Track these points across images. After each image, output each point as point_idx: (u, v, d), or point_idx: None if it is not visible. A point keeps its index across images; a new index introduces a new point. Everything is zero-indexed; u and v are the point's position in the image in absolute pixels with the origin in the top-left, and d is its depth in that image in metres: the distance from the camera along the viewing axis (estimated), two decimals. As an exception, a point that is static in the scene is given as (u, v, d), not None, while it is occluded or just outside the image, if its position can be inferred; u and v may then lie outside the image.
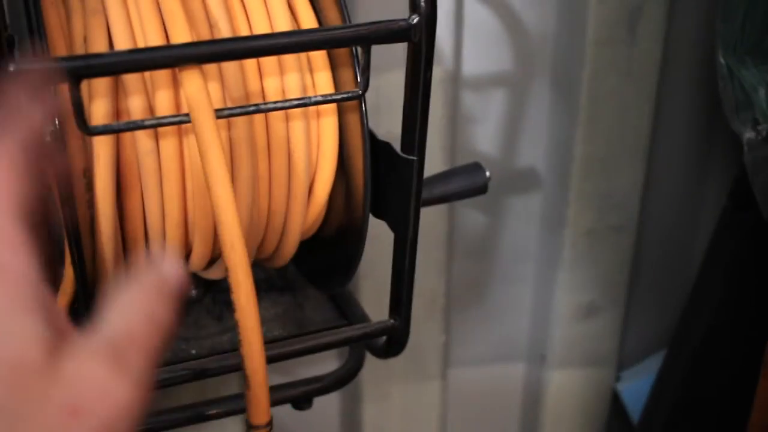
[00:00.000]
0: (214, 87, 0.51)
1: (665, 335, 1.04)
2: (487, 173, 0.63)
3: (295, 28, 0.54)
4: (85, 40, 0.52)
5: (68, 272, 0.54)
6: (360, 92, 0.51)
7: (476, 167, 0.63)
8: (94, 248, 0.53)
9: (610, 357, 1.03)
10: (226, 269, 0.46)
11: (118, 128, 0.48)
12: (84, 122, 0.46)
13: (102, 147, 0.50)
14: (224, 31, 0.51)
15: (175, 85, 0.50)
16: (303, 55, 0.54)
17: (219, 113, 0.48)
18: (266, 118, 0.54)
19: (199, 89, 0.46)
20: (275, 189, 0.56)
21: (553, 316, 0.99)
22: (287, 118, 0.54)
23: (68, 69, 0.44)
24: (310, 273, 0.67)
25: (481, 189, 0.62)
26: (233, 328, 0.52)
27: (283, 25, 0.53)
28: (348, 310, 0.68)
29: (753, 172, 0.78)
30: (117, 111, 0.51)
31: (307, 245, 0.64)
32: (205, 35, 0.50)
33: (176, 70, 0.47)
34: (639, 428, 1.00)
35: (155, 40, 0.49)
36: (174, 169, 0.52)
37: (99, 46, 0.50)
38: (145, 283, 0.31)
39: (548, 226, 0.94)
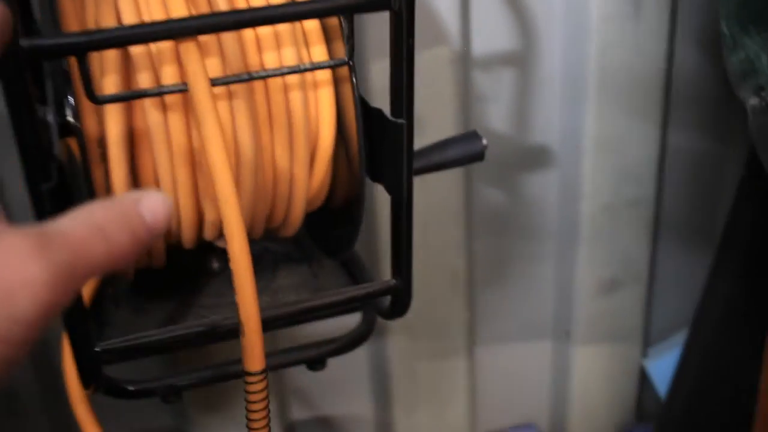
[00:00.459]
0: (214, 61, 0.56)
1: (692, 310, 1.05)
2: (484, 141, 0.65)
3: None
4: (96, 24, 0.56)
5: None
6: (346, 59, 0.55)
7: (473, 135, 0.65)
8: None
9: (636, 333, 1.05)
10: (221, 222, 0.50)
11: (122, 97, 0.52)
12: (92, 92, 0.50)
13: (113, 117, 0.54)
14: (222, 8, 0.55)
15: (180, 60, 0.55)
16: (299, 30, 0.58)
17: (214, 81, 0.52)
18: (266, 90, 0.58)
19: (195, 59, 0.50)
20: (278, 157, 0.60)
21: (576, 292, 1.00)
22: (286, 90, 0.58)
23: (74, 43, 0.48)
24: (323, 242, 0.71)
25: (478, 156, 0.65)
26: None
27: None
28: (362, 278, 0.71)
29: (758, 139, 0.79)
30: (128, 86, 0.55)
31: (319, 216, 0.67)
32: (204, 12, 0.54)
33: (176, 45, 0.51)
34: (665, 403, 1.00)
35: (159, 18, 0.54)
36: (182, 139, 0.56)
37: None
38: (115, 205, 0.33)
39: (565, 202, 0.96)
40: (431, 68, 0.85)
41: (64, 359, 0.63)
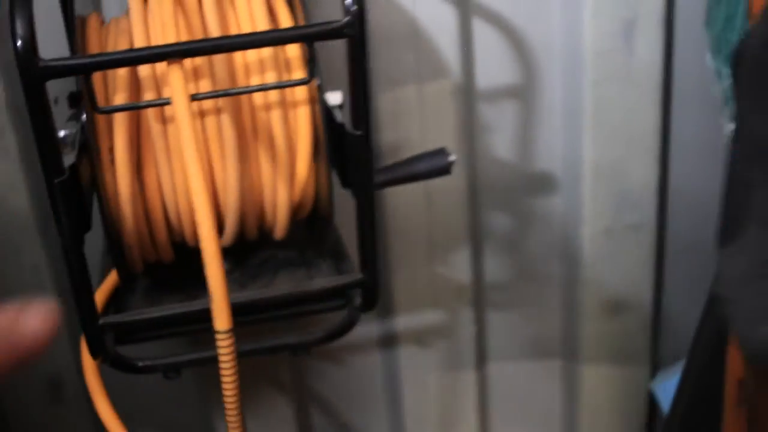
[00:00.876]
0: (205, 83, 0.66)
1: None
2: (451, 157, 0.73)
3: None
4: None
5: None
6: (307, 80, 0.64)
7: (440, 152, 0.74)
8: (118, 208, 0.68)
9: (643, 355, 1.09)
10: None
11: (119, 108, 0.63)
12: (94, 104, 0.61)
13: (119, 126, 0.65)
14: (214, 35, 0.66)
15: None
16: (281, 56, 0.68)
17: (196, 96, 0.62)
18: (251, 109, 0.68)
19: (177, 78, 0.61)
20: (262, 166, 0.69)
21: (581, 313, 1.06)
22: (268, 108, 0.68)
23: (82, 64, 0.60)
24: (319, 248, 0.80)
25: (444, 170, 0.73)
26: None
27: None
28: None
29: (731, 162, 0.84)
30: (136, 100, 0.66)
31: (315, 226, 0.77)
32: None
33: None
34: (664, 424, 1.04)
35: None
36: (177, 147, 0.67)
37: (120, 53, 0.66)
38: None
39: (568, 226, 1.02)
40: (435, 99, 0.93)
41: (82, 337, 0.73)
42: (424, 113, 0.94)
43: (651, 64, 0.93)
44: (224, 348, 0.61)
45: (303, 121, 0.69)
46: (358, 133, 0.65)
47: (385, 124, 0.93)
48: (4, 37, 0.81)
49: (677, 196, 1.03)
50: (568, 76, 0.95)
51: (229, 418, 0.64)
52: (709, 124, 0.92)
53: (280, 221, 0.73)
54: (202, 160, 0.65)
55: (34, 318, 0.33)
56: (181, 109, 0.60)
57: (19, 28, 0.57)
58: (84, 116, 0.67)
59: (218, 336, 0.61)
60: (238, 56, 0.67)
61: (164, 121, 0.66)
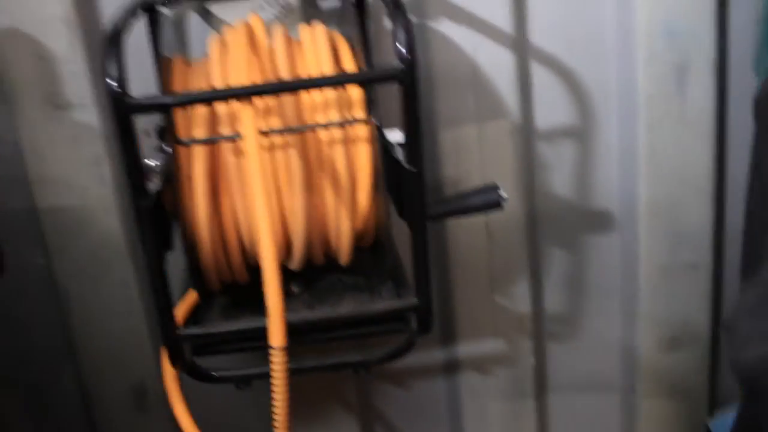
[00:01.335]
0: (275, 120, 0.74)
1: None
2: (502, 193, 0.79)
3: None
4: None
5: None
6: (366, 119, 0.71)
7: (492, 187, 0.79)
8: (196, 231, 0.75)
9: (701, 392, 1.10)
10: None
11: (196, 141, 0.71)
12: (175, 137, 0.70)
13: (198, 157, 0.73)
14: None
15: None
16: (344, 96, 0.75)
17: (264, 132, 0.70)
18: (316, 144, 0.75)
19: (248, 115, 0.68)
20: (327, 197, 0.76)
21: (638, 348, 1.08)
22: (332, 144, 0.75)
23: (164, 102, 0.68)
24: (381, 275, 0.86)
25: (495, 204, 0.78)
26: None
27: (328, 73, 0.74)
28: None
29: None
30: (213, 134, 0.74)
31: (378, 254, 0.83)
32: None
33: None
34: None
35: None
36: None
37: (201, 93, 0.74)
38: None
39: (625, 263, 1.06)
40: (494, 138, 0.99)
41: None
42: (483, 151, 0.99)
43: (703, 107, 0.97)
44: (277, 364, 0.67)
45: (363, 156, 0.76)
46: (412, 169, 0.71)
47: (446, 160, 0.99)
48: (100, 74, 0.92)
49: (735, 235, 1.05)
50: (623, 117, 1.00)
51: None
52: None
53: (343, 248, 0.80)
54: (272, 191, 0.73)
55: None
56: (250, 143, 0.68)
57: (111, 69, 0.66)
58: (168, 148, 0.75)
59: (272, 352, 0.67)
60: (305, 96, 0.75)
61: (238, 153, 0.74)
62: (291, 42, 0.79)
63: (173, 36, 0.91)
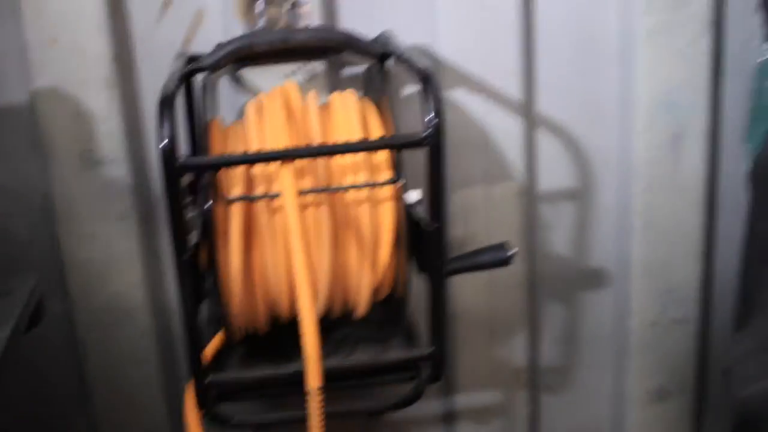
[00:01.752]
0: (307, 180, 0.79)
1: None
2: (511, 250, 0.84)
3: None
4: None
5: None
6: (394, 180, 0.77)
7: (501, 246, 0.85)
8: (228, 284, 0.80)
9: (688, 442, 1.16)
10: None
11: (241, 198, 0.76)
12: (220, 195, 0.75)
13: (235, 214, 0.78)
14: (318, 143, 0.79)
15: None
16: (371, 159, 0.81)
17: (301, 192, 0.75)
18: (344, 203, 0.80)
19: (288, 176, 0.74)
20: (351, 253, 0.81)
21: (628, 399, 1.14)
22: (358, 203, 0.80)
23: (212, 163, 0.73)
24: (393, 326, 0.91)
25: (504, 262, 0.84)
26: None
27: (357, 137, 0.80)
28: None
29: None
30: (249, 194, 0.79)
31: (390, 306, 0.88)
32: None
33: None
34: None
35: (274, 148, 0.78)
36: (281, 234, 0.79)
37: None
38: None
39: (618, 317, 1.12)
40: (501, 199, 1.05)
41: (186, 392, 0.84)
42: (490, 211, 1.05)
43: (696, 173, 1.04)
44: (315, 405, 0.72)
45: (387, 215, 0.81)
46: (434, 227, 0.77)
47: (455, 219, 1.04)
48: (138, 131, 0.97)
49: (722, 293, 1.12)
50: (621, 181, 1.06)
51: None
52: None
53: (362, 302, 0.85)
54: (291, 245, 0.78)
55: None
56: (290, 202, 0.73)
57: (165, 131, 0.71)
58: (205, 204, 0.80)
59: (310, 393, 0.72)
60: (336, 158, 0.80)
61: (271, 212, 0.79)
62: (322, 107, 0.84)
63: (204, 98, 0.96)
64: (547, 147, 1.05)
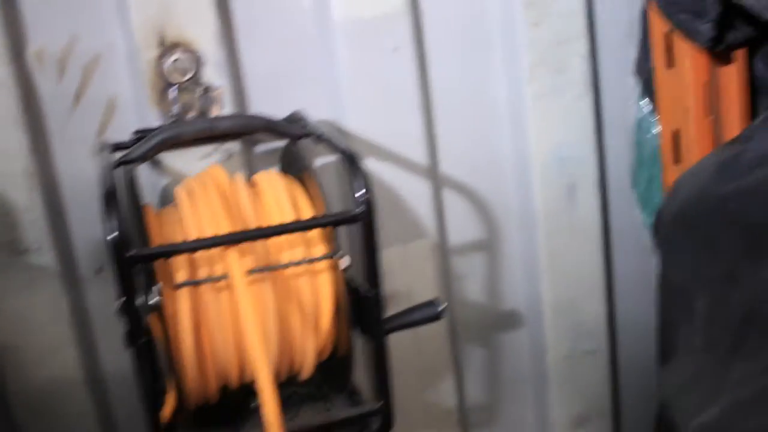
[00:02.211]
0: (250, 259, 0.85)
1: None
2: (440, 307, 0.92)
3: (296, 217, 0.87)
4: (170, 239, 0.87)
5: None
6: (331, 255, 0.84)
7: (432, 303, 0.93)
8: (181, 363, 0.84)
9: (608, 463, 1.26)
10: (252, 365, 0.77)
11: (184, 284, 0.81)
12: (170, 281, 0.80)
13: (182, 298, 0.83)
14: (252, 224, 0.85)
15: (224, 259, 0.84)
16: (305, 237, 0.87)
17: (249, 271, 0.81)
18: (285, 278, 0.86)
19: (235, 259, 0.79)
20: (293, 322, 0.87)
21: (551, 428, 1.23)
22: (297, 276, 0.87)
23: (162, 252, 0.78)
24: (334, 383, 0.97)
25: (436, 317, 0.92)
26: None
27: (288, 216, 0.86)
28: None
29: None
30: (193, 278, 0.84)
31: (330, 364, 0.94)
32: (239, 228, 0.84)
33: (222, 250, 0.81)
34: None
35: (211, 233, 0.84)
36: (228, 312, 0.84)
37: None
38: None
39: (534, 354, 1.21)
40: (417, 256, 1.13)
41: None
42: (407, 269, 1.13)
43: (591, 218, 1.15)
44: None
45: (325, 285, 0.88)
46: (371, 293, 0.84)
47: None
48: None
49: (624, 326, 1.23)
50: (524, 231, 1.17)
51: None
52: (647, 264, 1.13)
53: (306, 366, 0.90)
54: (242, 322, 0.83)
55: None
56: (239, 282, 0.79)
57: (114, 223, 0.76)
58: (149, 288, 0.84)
59: (274, 461, 0.77)
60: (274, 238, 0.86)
61: (216, 291, 0.84)
62: (250, 187, 0.91)
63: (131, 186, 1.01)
64: (454, 205, 1.15)
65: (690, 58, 0.80)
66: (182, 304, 0.83)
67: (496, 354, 1.22)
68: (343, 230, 0.93)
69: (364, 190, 0.81)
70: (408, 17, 1.06)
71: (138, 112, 1.01)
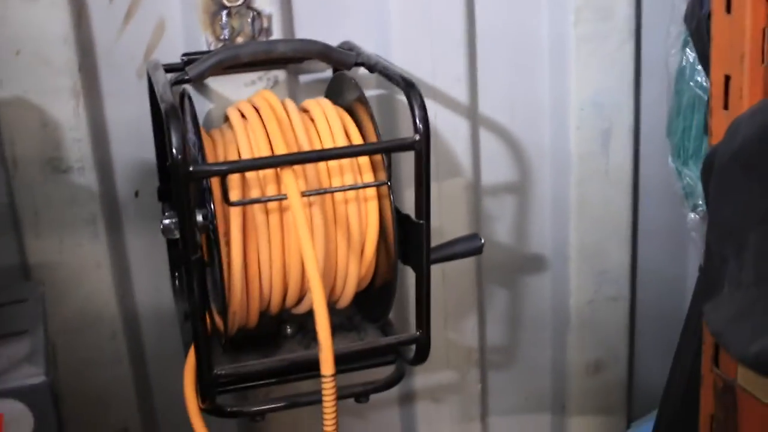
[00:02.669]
0: (301, 182, 0.86)
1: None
2: (482, 240, 0.94)
3: (347, 143, 0.88)
4: (225, 157, 0.87)
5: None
6: (385, 181, 0.84)
7: (475, 236, 0.94)
8: (230, 281, 0.85)
9: (620, 407, 1.29)
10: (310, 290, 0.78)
11: (243, 202, 0.82)
12: (227, 199, 0.80)
13: (234, 217, 0.84)
14: (305, 148, 0.86)
15: (277, 181, 0.85)
16: (356, 163, 0.88)
17: (303, 194, 0.82)
18: (333, 202, 0.87)
19: (291, 179, 0.80)
20: (339, 248, 0.88)
21: (568, 372, 1.26)
22: (346, 202, 0.87)
23: (221, 169, 0.79)
24: (369, 314, 0.98)
25: (478, 250, 0.93)
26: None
27: (341, 142, 0.87)
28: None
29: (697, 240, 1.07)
30: (244, 197, 0.85)
31: (366, 295, 0.95)
32: (293, 150, 0.85)
33: (277, 169, 0.82)
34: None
35: (265, 153, 0.84)
36: (277, 233, 0.85)
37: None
38: None
39: (557, 298, 1.23)
40: (450, 194, 1.14)
41: (185, 383, 0.89)
42: (441, 205, 1.14)
43: (624, 165, 1.16)
44: (329, 390, 0.78)
45: (372, 212, 0.89)
46: (421, 222, 0.85)
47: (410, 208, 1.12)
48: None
49: (645, 274, 1.25)
50: (556, 175, 1.18)
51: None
52: (672, 214, 1.15)
53: (347, 293, 0.92)
54: (298, 242, 0.84)
55: None
56: (296, 201, 0.79)
57: (175, 142, 0.76)
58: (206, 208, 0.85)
59: (324, 380, 0.78)
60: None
61: (266, 212, 0.85)
62: (302, 113, 0.91)
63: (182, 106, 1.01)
64: (490, 145, 1.15)
65: (750, 2, 0.81)
66: (235, 223, 0.84)
67: (519, 296, 1.24)
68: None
69: (421, 119, 0.82)
70: (458, -47, 1.06)
71: (186, 36, 1.01)
